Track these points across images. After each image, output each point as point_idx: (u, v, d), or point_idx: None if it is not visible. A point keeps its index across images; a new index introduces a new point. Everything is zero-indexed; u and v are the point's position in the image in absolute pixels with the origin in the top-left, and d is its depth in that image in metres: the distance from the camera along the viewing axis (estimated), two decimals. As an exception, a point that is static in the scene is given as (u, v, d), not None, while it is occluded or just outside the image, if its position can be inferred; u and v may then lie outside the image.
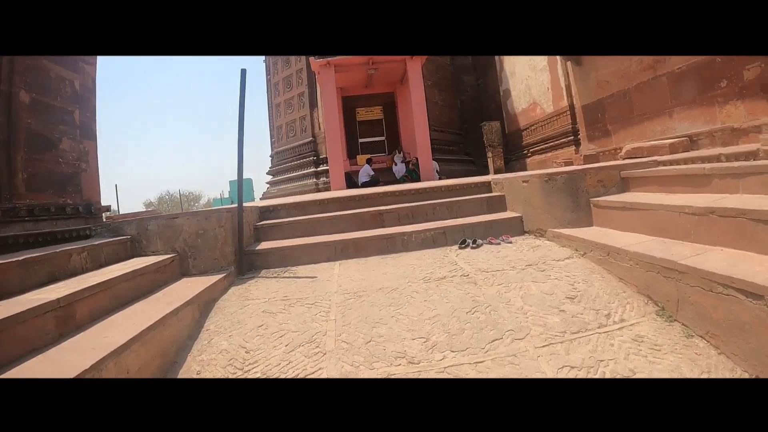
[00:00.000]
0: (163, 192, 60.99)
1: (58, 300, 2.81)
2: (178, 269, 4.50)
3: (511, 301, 3.42)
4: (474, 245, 4.95)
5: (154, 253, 4.55)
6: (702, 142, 7.86)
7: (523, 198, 5.44)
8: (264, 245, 5.30)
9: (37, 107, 6.58)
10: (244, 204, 5.65)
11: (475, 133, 19.11)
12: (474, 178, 7.84)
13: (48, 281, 3.43)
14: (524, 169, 15.53)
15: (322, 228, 5.68)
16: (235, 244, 4.82)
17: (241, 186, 4.97)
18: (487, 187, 6.47)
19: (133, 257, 4.50)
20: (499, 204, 5.96)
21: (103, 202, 8.33)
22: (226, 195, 45.13)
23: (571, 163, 10.29)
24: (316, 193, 11.73)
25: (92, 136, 8.35)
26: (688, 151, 7.55)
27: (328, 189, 15.49)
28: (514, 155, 16.85)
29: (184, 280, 4.33)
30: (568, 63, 12.10)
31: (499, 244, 5.01)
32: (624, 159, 8.32)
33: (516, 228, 5.40)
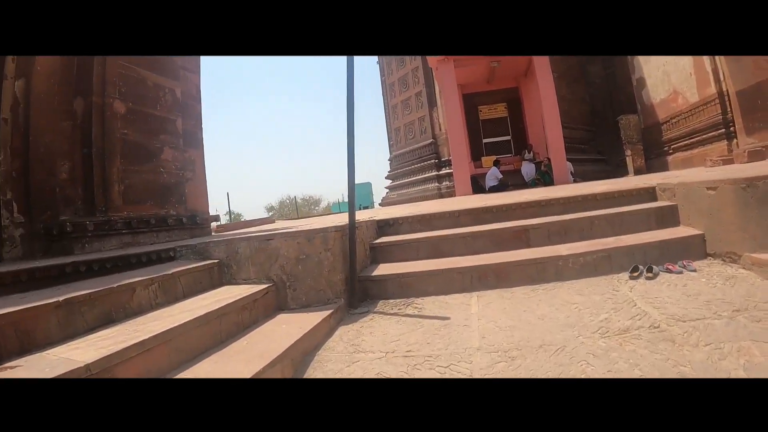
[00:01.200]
0: (284, 196, 62.98)
1: (87, 366, 1.91)
2: (274, 302, 3.52)
3: (731, 377, 2.13)
4: (649, 274, 3.63)
5: (245, 281, 3.62)
6: None
7: (705, 210, 3.97)
8: (382, 269, 4.23)
9: (134, 117, 6.22)
10: (359, 217, 4.68)
11: (605, 129, 17.43)
12: (634, 182, 6.28)
13: (100, 325, 2.57)
14: (665, 168, 13.62)
15: (452, 248, 4.48)
16: (346, 270, 3.77)
17: (352, 199, 3.88)
18: (651, 194, 4.98)
19: (221, 285, 3.62)
20: (670, 217, 4.49)
21: (224, 209, 7.96)
22: (346, 199, 45.35)
23: (731, 161, 8.52)
24: (441, 202, 10.52)
25: (198, 145, 8.07)
26: None
27: (451, 194, 14.53)
28: (652, 152, 14.74)
29: (280, 317, 3.34)
30: (717, 42, 10.26)
31: (680, 273, 3.63)
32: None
33: (696, 249, 3.98)
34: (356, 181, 3.96)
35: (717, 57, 10.80)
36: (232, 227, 10.62)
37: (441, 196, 15.81)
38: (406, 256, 4.55)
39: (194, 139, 7.90)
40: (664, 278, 3.59)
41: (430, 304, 3.68)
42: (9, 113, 4.78)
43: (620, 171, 15.21)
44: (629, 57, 15.82)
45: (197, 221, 7.19)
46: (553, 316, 3.11)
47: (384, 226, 5.18)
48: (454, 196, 13.69)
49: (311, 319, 3.19)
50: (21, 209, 4.76)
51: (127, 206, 5.89)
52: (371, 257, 4.62)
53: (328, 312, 3.35)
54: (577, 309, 3.17)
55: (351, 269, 3.77)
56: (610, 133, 16.62)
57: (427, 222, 5.12)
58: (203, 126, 8.32)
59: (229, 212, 28.15)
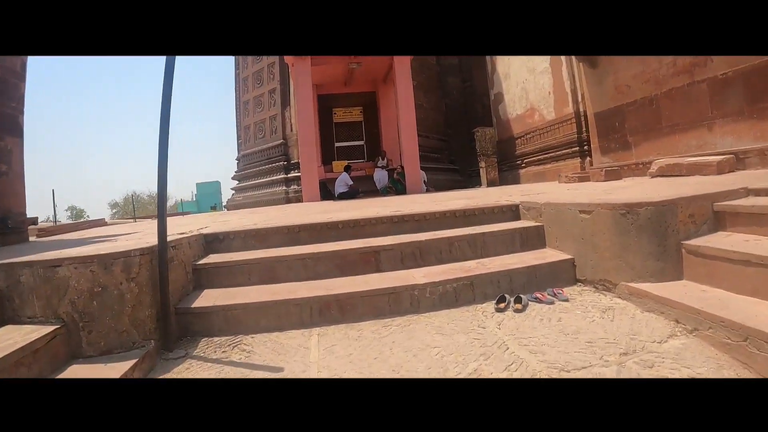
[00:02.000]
0: (130, 192, 60.46)
1: None
2: (65, 349, 2.88)
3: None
4: (517, 305, 3.48)
5: (31, 320, 2.93)
6: (750, 161, 6.72)
7: (578, 234, 3.98)
8: (206, 298, 3.70)
9: (-65, 94, 5.11)
10: (184, 229, 4.18)
11: (460, 139, 18.01)
12: (494, 197, 6.17)
13: None
14: (517, 181, 14.32)
15: (290, 272, 4.05)
16: (157, 304, 3.21)
17: (163, 211, 3.29)
18: (514, 212, 4.99)
19: (2, 325, 2.91)
20: (536, 238, 4.50)
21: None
22: (194, 198, 43.93)
23: (587, 178, 8.99)
24: (283, 209, 10.02)
25: (17, 132, 6.96)
26: (734, 171, 6.35)
27: (299, 198, 14.20)
28: (505, 165, 15.60)
29: (71, 371, 2.73)
30: (579, 65, 10.90)
31: (552, 303, 3.56)
32: (654, 177, 7.13)
33: (565, 275, 3.98)
34: (204, 180, 3.44)
35: (578, 78, 11.61)
36: (57, 230, 9.46)
37: (288, 200, 15.49)
38: (237, 280, 4.05)
39: (13, 125, 6.80)
40: (534, 310, 3.46)
41: (261, 345, 3.24)
42: None
43: (473, 181, 15.78)
44: (489, 71, 16.51)
45: (9, 225, 6.17)
46: (411, 366, 2.74)
47: (213, 242, 4.58)
48: (302, 201, 13.39)
49: (109, 373, 2.66)
50: None
51: None
52: (195, 281, 4.04)
53: (132, 362, 2.80)
54: (440, 356, 2.83)
55: (163, 303, 3.23)
56: (464, 144, 17.18)
57: (262, 238, 4.64)
58: (24, 110, 7.18)
59: (54, 211, 25.41)
